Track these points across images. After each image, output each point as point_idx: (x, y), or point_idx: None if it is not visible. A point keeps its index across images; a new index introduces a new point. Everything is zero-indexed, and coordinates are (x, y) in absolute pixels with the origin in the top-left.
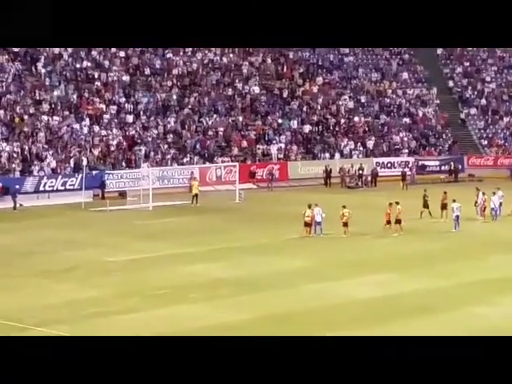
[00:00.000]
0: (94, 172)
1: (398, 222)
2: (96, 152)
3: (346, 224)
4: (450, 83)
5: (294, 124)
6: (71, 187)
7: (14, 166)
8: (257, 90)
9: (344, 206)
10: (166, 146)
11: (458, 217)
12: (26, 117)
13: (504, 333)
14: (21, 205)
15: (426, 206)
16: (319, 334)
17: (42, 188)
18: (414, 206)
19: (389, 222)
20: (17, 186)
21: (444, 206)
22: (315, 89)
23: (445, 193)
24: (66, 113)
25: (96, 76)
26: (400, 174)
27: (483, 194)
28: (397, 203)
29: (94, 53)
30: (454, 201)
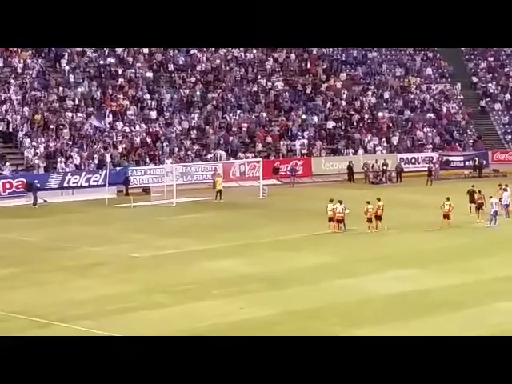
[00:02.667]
0: (117, 168)
1: (379, 218)
2: (120, 148)
3: (370, 220)
4: (474, 78)
5: (318, 120)
6: (95, 183)
7: (37, 162)
8: (280, 85)
9: (368, 202)
10: (189, 142)
11: (496, 212)
12: (50, 113)
13: None
14: (45, 201)
15: (472, 201)
16: (343, 330)
17: (66, 184)
18: (438, 201)
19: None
20: (36, 181)
21: (480, 206)
22: (339, 84)
23: (479, 192)
24: (90, 109)
25: (120, 72)
26: (427, 169)
27: (505, 189)
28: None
29: (118, 49)
30: (491, 197)
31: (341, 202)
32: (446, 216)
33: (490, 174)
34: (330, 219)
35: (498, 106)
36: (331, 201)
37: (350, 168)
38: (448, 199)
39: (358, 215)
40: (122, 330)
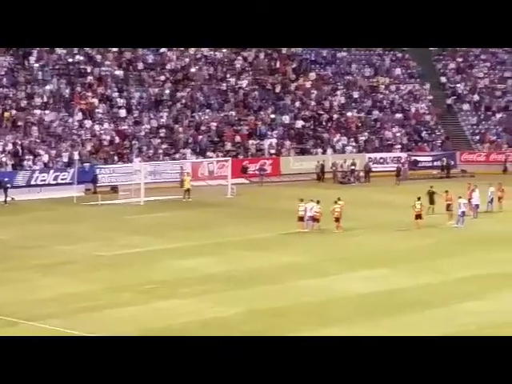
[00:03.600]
0: (86, 165)
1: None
2: (88, 147)
3: (337, 219)
4: (443, 79)
5: (287, 119)
6: (63, 181)
7: (5, 159)
8: (250, 85)
9: (336, 202)
10: (158, 141)
11: (463, 213)
12: (18, 111)
13: (496, 327)
14: (12, 198)
15: (432, 202)
16: (311, 329)
17: (33, 182)
18: (407, 201)
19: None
20: (6, 179)
21: (448, 207)
22: (308, 84)
23: (447, 192)
24: (59, 107)
25: (89, 70)
26: (395, 169)
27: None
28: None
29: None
30: (460, 197)
31: (318, 202)
32: (418, 216)
33: (457, 174)
34: (300, 219)
35: (466, 106)
36: (302, 200)
37: (322, 167)
38: (419, 199)
39: (327, 215)
40: (90, 329)
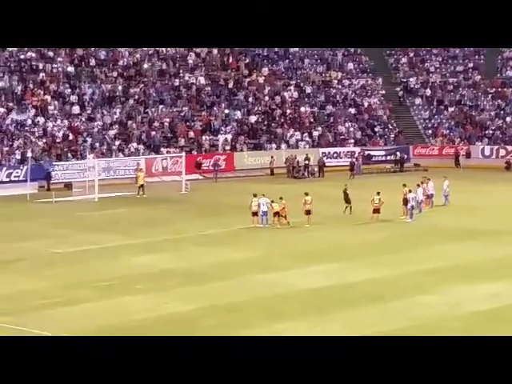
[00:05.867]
0: (41, 162)
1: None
2: (41, 143)
3: (308, 212)
4: (395, 73)
5: (240, 114)
6: (16, 179)
7: None
8: (202, 80)
9: (306, 193)
10: (111, 137)
11: (412, 207)
12: None
13: (447, 321)
14: None
15: (347, 200)
16: (265, 325)
17: None
18: (361, 195)
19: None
20: None
21: (406, 202)
22: (261, 79)
23: (404, 186)
24: (11, 104)
25: (40, 67)
26: (349, 164)
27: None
28: (280, 199)
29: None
30: (410, 191)
31: (281, 198)
32: (376, 210)
33: (411, 168)
34: (254, 214)
35: (418, 100)
36: (255, 195)
37: (273, 163)
38: (378, 194)
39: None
40: (43, 326)
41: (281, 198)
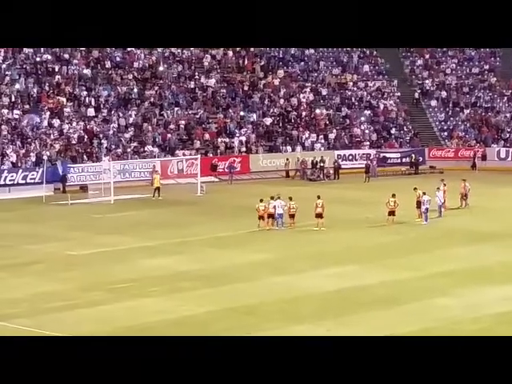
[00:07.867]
0: (58, 163)
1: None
2: (57, 146)
3: (319, 215)
4: (411, 75)
5: (256, 117)
6: (32, 181)
7: None
8: (218, 83)
9: (318, 197)
10: (127, 140)
11: (427, 209)
12: None
13: (463, 323)
14: None
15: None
16: (282, 327)
17: (2, 182)
18: (376, 198)
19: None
20: None
21: (419, 205)
22: (276, 81)
23: (415, 189)
24: (27, 106)
25: (56, 69)
26: (364, 166)
27: (444, 185)
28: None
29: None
30: (425, 193)
31: (290, 199)
32: (392, 212)
33: (426, 170)
34: (270, 216)
35: (434, 102)
36: (272, 198)
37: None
38: (393, 196)
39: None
40: (60, 328)
41: (290, 198)
